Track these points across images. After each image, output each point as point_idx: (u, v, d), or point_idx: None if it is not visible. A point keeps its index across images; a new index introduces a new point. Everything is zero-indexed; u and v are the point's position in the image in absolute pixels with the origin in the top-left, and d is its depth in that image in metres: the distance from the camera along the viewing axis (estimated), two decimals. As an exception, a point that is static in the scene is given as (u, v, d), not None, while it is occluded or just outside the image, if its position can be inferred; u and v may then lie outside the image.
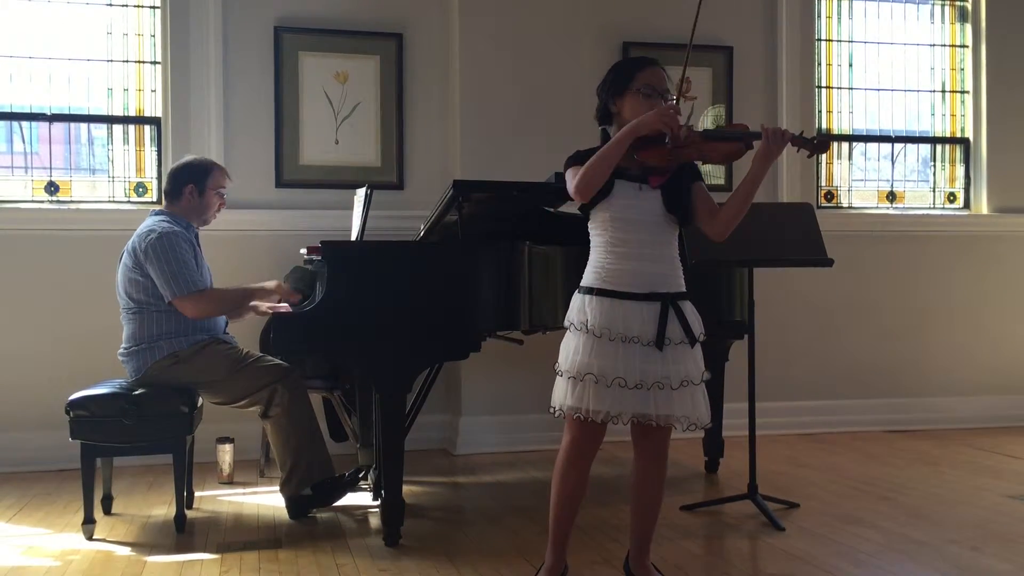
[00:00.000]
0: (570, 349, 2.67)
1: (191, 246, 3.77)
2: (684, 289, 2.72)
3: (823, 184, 5.79)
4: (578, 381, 2.62)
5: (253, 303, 3.86)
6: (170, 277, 3.64)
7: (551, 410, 2.71)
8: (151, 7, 4.96)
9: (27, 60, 4.85)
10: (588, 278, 2.71)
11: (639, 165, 2.68)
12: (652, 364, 2.60)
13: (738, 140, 2.71)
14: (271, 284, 3.91)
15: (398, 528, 3.43)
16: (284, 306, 4.00)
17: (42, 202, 4.86)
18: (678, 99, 2.77)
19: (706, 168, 5.39)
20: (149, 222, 3.80)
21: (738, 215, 2.69)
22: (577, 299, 2.71)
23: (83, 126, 4.99)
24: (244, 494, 4.21)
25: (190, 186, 3.84)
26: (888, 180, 5.94)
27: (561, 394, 2.67)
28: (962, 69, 5.98)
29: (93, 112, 4.97)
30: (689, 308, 2.70)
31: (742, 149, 2.72)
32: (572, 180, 2.65)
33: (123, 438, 3.52)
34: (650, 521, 2.81)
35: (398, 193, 5.14)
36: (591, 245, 2.75)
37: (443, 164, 5.19)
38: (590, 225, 2.74)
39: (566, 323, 2.72)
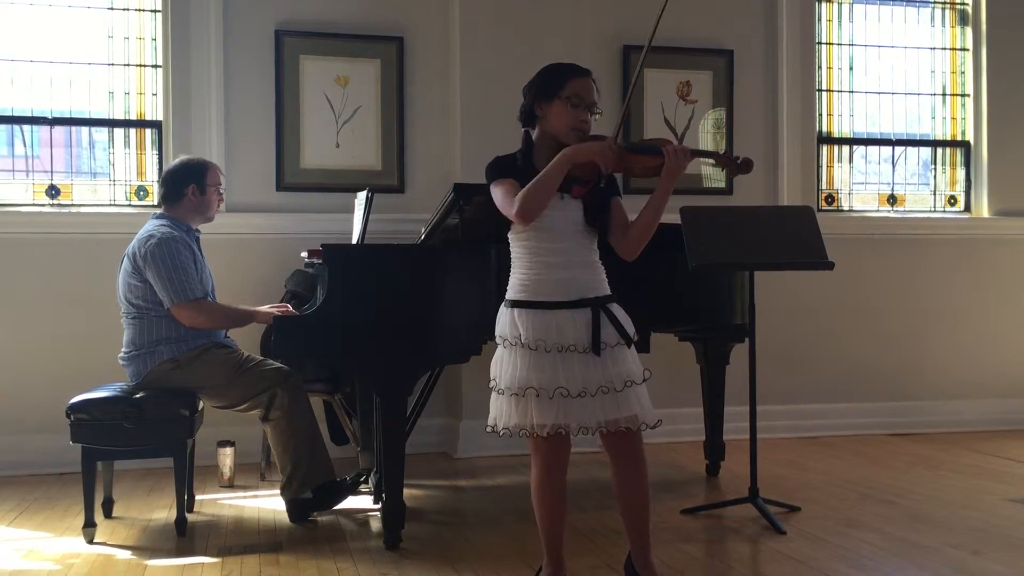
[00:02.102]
0: (507, 365, 2.65)
1: (191, 251, 3.77)
2: (609, 292, 2.71)
3: (824, 187, 5.79)
4: (520, 397, 2.61)
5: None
6: (168, 284, 3.64)
7: (487, 429, 2.70)
8: (152, 11, 4.96)
9: (28, 64, 4.85)
10: (514, 290, 2.69)
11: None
12: (592, 370, 2.59)
13: (659, 153, 2.67)
14: (272, 309, 3.88)
15: (399, 531, 3.43)
16: (286, 306, 4.01)
17: (43, 205, 4.86)
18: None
19: (707, 171, 5.46)
20: (149, 226, 3.80)
21: (646, 234, 2.68)
22: (505, 313, 2.69)
23: (84, 129, 5.00)
24: (245, 497, 4.21)
25: (192, 186, 3.84)
26: (889, 183, 5.94)
27: (503, 412, 2.65)
28: (962, 72, 5.98)
29: (94, 115, 4.97)
30: (618, 310, 2.69)
31: (663, 161, 2.67)
32: (510, 204, 2.59)
33: (124, 441, 3.52)
34: (642, 524, 2.79)
35: (399, 196, 5.14)
36: (512, 256, 2.72)
37: (444, 167, 5.19)
38: (511, 236, 2.72)
39: (497, 339, 2.70)
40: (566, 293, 2.63)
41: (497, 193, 2.67)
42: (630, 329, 2.68)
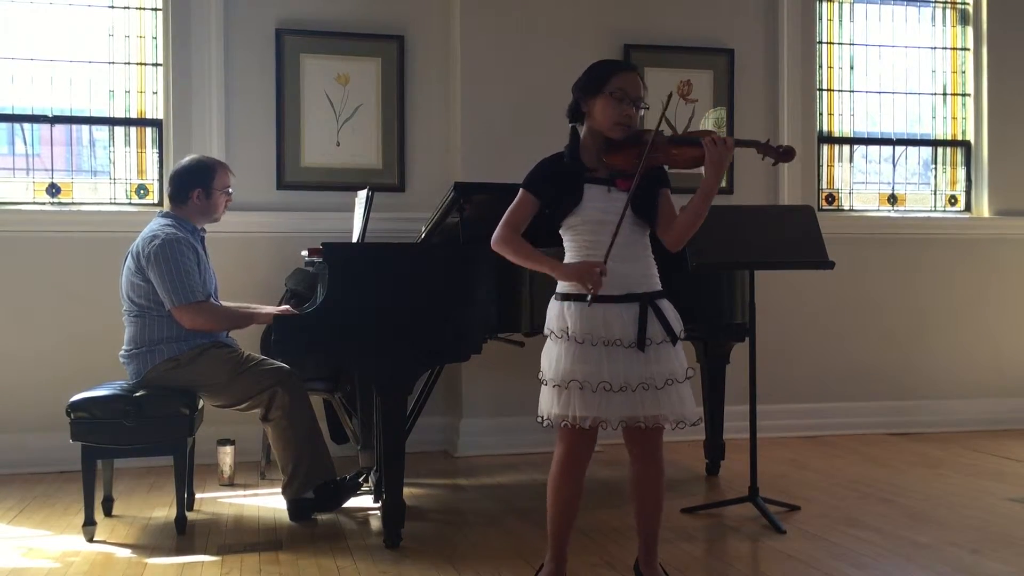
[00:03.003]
0: (552, 357, 2.67)
1: (195, 252, 3.76)
2: (660, 288, 2.72)
3: (824, 187, 5.79)
4: (563, 389, 2.62)
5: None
6: (170, 285, 3.64)
7: (538, 419, 2.71)
8: (153, 9, 4.96)
9: (29, 62, 4.85)
10: (564, 284, 2.71)
11: (607, 168, 2.68)
12: (636, 365, 2.61)
13: (700, 145, 2.69)
14: (273, 310, 3.89)
15: (399, 530, 3.43)
16: (288, 308, 4.01)
17: (43, 204, 4.86)
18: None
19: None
20: (154, 225, 3.79)
21: (692, 226, 2.70)
22: (555, 306, 2.71)
23: (84, 128, 5.00)
24: (245, 496, 4.21)
25: (198, 190, 3.82)
26: (889, 183, 5.94)
27: (547, 403, 2.67)
28: (963, 72, 5.98)
29: (95, 114, 4.97)
30: (668, 306, 2.70)
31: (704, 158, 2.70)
32: (504, 224, 2.73)
33: (124, 440, 3.52)
34: (654, 523, 2.82)
35: (399, 195, 5.14)
36: (565, 249, 2.74)
37: (444, 166, 5.19)
38: (562, 231, 2.74)
39: (546, 331, 2.72)
40: (614, 287, 2.62)
41: (514, 202, 2.74)
42: (678, 326, 2.69)
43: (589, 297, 2.58)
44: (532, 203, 2.72)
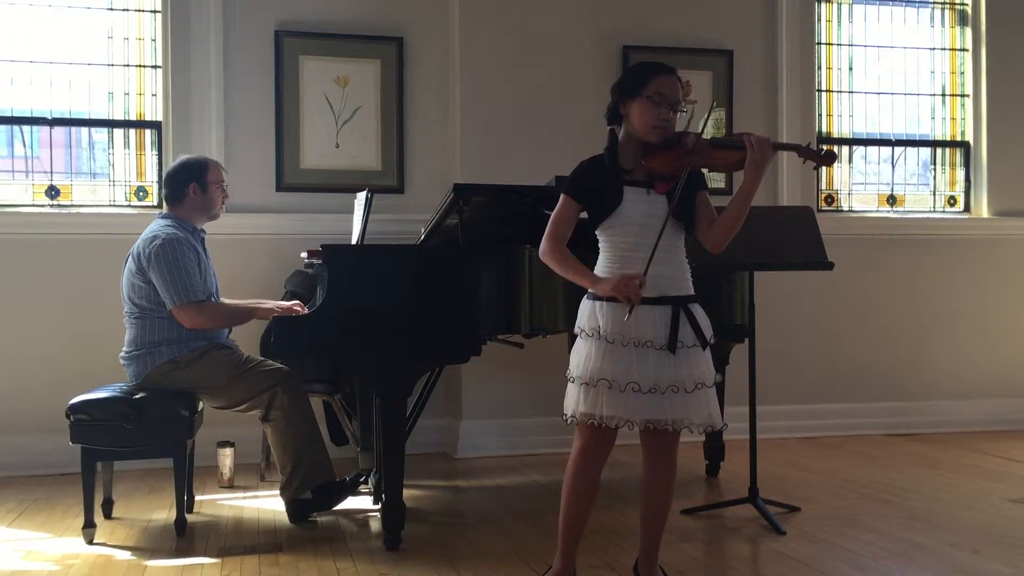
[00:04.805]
0: (582, 355, 2.66)
1: (195, 252, 3.77)
2: (693, 292, 2.73)
3: (823, 188, 5.79)
4: (591, 387, 2.61)
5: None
6: (171, 285, 3.64)
7: (563, 417, 2.71)
8: (152, 11, 4.96)
9: (28, 64, 4.85)
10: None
11: (646, 171, 2.68)
12: (666, 368, 2.61)
13: (741, 147, 2.72)
14: (272, 304, 3.90)
15: (399, 532, 3.43)
16: (287, 306, 4.01)
17: (43, 206, 4.86)
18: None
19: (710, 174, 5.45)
20: (154, 226, 3.80)
21: (734, 227, 2.71)
22: (587, 305, 2.71)
23: (84, 130, 5.00)
24: (244, 498, 4.21)
25: (192, 185, 3.84)
26: (888, 183, 5.94)
27: (573, 401, 2.66)
28: (962, 72, 5.98)
29: (94, 116, 4.97)
30: (699, 311, 2.71)
31: (745, 155, 2.72)
32: (549, 234, 2.71)
33: (123, 442, 3.52)
34: (659, 526, 2.82)
35: (399, 197, 5.14)
36: (600, 250, 2.74)
37: (444, 167, 5.20)
38: (598, 231, 2.73)
39: (576, 330, 2.72)
40: (648, 288, 2.62)
41: (556, 208, 2.73)
42: (708, 332, 2.69)
43: (629, 309, 2.57)
44: (573, 207, 2.71)
